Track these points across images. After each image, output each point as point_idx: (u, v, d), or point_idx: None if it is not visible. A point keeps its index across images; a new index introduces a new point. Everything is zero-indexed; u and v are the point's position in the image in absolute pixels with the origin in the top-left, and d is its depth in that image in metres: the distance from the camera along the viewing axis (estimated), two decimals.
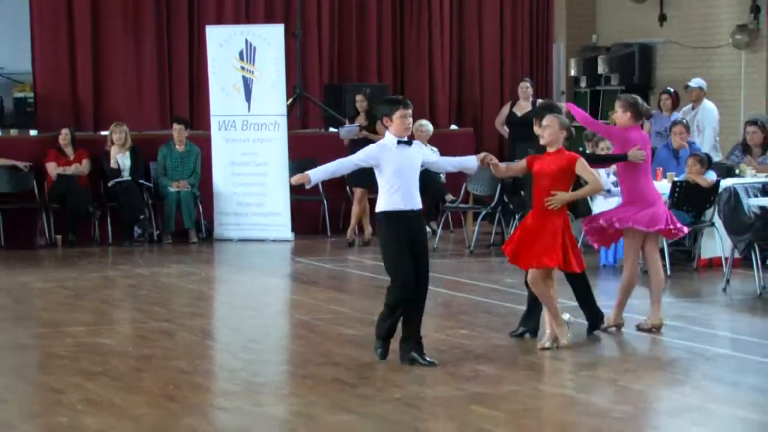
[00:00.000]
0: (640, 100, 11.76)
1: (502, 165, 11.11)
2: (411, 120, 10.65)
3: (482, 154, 10.82)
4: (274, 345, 12.37)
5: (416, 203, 10.47)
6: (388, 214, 10.46)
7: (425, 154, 10.80)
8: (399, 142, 10.46)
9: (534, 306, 11.56)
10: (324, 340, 11.70)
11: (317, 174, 10.55)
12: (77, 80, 20.85)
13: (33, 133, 19.43)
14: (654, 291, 11.83)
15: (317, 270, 16.41)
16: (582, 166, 10.70)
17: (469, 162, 10.95)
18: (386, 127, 10.57)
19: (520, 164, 11.14)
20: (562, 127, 10.67)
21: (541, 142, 10.79)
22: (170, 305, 13.81)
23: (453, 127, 21.13)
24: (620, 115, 11.83)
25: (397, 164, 10.42)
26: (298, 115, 20.87)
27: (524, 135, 15.68)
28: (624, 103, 11.82)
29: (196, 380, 10.40)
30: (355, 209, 18.44)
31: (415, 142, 10.74)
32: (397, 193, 10.37)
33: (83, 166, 18.43)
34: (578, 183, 11.41)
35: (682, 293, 14.36)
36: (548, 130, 10.62)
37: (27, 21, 20.74)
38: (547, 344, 10.81)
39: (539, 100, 19.58)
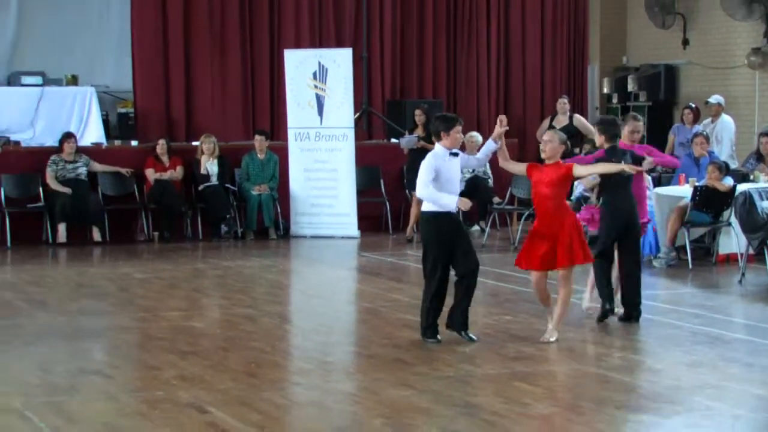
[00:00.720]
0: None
1: (506, 156, 10.97)
2: (462, 135, 10.74)
3: (494, 133, 10.84)
4: (342, 328, 12.40)
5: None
6: (434, 215, 10.50)
7: (464, 159, 10.83)
8: (451, 153, 10.52)
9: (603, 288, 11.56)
10: (386, 324, 11.72)
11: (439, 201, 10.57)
12: (171, 97, 20.96)
13: (134, 143, 19.54)
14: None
15: (380, 263, 16.42)
16: (579, 170, 10.60)
17: (488, 145, 10.92)
18: (439, 140, 10.62)
19: (520, 166, 11.02)
20: (561, 142, 10.58)
21: (542, 155, 10.66)
22: (252, 293, 13.86)
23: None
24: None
25: (449, 173, 10.49)
26: (364, 127, 20.91)
27: None
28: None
29: (274, 359, 10.46)
30: (413, 210, 18.37)
31: (461, 153, 10.75)
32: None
33: (177, 172, 18.52)
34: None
35: (702, 285, 14.27)
36: (549, 146, 10.49)
37: (128, 46, 20.86)
38: (551, 339, 10.54)
39: (576, 116, 19.54)
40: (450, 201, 10.47)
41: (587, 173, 10.85)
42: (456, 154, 10.58)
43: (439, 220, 10.51)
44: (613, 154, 11.33)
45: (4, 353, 10.62)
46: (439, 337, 10.55)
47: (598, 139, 11.64)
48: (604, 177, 11.38)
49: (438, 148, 10.59)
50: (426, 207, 10.62)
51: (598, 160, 11.35)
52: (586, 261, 10.65)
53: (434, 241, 10.57)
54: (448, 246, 10.53)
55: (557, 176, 10.38)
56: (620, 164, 10.84)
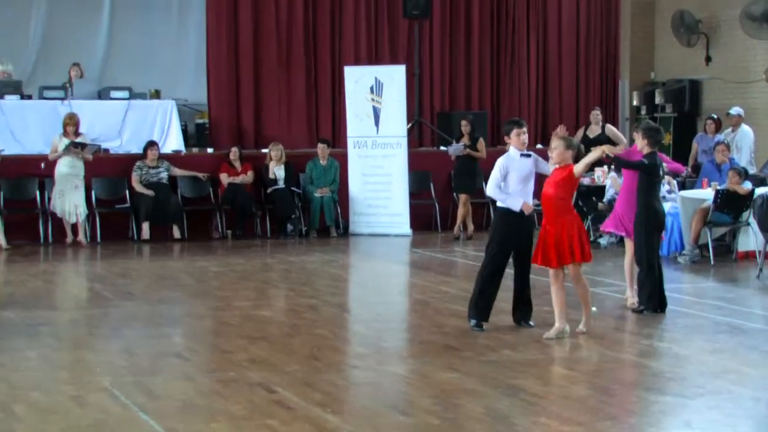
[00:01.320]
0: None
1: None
2: (526, 137, 10.65)
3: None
4: (395, 317, 12.39)
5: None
6: (507, 212, 10.47)
7: (538, 162, 10.71)
8: (522, 155, 10.49)
9: (644, 282, 11.43)
10: (435, 314, 11.69)
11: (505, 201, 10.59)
12: (242, 109, 21.07)
13: (209, 150, 19.64)
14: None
15: (430, 259, 16.40)
16: (577, 168, 10.26)
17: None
18: (507, 143, 10.68)
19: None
20: (567, 147, 10.41)
21: (550, 162, 10.57)
22: (315, 285, 13.88)
23: (538, 146, 21.01)
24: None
25: (521, 172, 10.45)
26: (415, 136, 20.91)
27: None
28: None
29: (334, 344, 10.47)
30: (460, 210, 18.38)
31: (533, 155, 10.70)
32: (518, 196, 10.44)
33: (248, 176, 18.58)
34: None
35: (723, 279, 14.15)
36: (555, 152, 10.33)
37: (204, 64, 20.97)
38: (552, 335, 10.25)
39: (608, 125, 19.42)
40: (515, 203, 10.44)
41: (581, 169, 10.55)
42: (528, 155, 10.55)
43: (508, 217, 10.49)
44: (652, 159, 11.29)
45: (94, 338, 10.71)
46: (484, 325, 10.53)
47: (641, 143, 11.48)
48: (639, 181, 11.32)
49: (511, 149, 10.59)
50: (499, 203, 10.63)
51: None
52: (585, 260, 10.39)
53: (499, 238, 10.52)
54: (512, 243, 10.51)
55: (561, 177, 10.26)
56: (599, 148, 10.74)
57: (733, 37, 21.08)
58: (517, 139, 10.57)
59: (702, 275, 14.43)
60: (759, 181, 16.18)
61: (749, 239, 15.28)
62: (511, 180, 10.47)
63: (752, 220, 14.87)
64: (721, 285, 13.65)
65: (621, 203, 11.81)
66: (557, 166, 10.27)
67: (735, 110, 19.11)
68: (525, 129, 10.66)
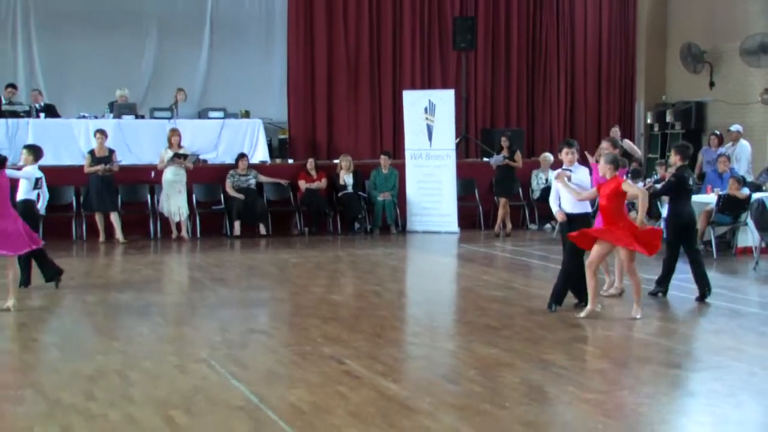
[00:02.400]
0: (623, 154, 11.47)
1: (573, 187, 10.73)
2: (574, 155, 10.68)
3: (557, 171, 10.83)
4: (445, 301, 12.38)
5: (573, 209, 10.57)
6: (567, 215, 10.57)
7: (579, 176, 10.69)
8: (564, 168, 10.52)
9: (667, 272, 11.52)
10: (478, 298, 11.66)
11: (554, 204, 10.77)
12: (317, 126, 21.15)
13: (290, 161, 19.72)
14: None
15: (474, 252, 16.36)
16: (627, 185, 10.31)
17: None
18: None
19: (592, 191, 10.78)
20: (607, 162, 10.35)
21: (600, 173, 10.59)
22: (378, 274, 13.88)
23: None
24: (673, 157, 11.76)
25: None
26: (462, 149, 20.88)
27: None
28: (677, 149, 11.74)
29: (394, 323, 10.47)
30: (500, 212, 18.32)
31: (580, 168, 10.73)
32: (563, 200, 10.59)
33: (322, 183, 18.62)
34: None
35: (724, 271, 14.00)
36: (602, 170, 10.39)
37: (285, 88, 21.08)
38: (636, 315, 10.23)
39: (626, 140, 19.25)
40: (554, 210, 10.77)
41: (633, 190, 10.49)
42: (570, 170, 10.62)
43: (570, 220, 10.59)
44: (684, 170, 11.38)
45: (194, 317, 10.78)
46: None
47: (673, 158, 11.60)
48: (670, 191, 11.53)
49: (564, 165, 10.73)
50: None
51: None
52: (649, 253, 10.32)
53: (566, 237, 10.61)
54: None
55: (611, 189, 10.19)
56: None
57: (733, 65, 20.88)
58: (564, 157, 10.75)
59: (706, 267, 14.27)
60: (755, 188, 16.09)
61: (747, 237, 15.21)
62: (559, 192, 10.68)
63: (749, 221, 14.84)
64: (722, 275, 13.50)
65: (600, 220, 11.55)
66: (607, 177, 10.31)
67: (735, 127, 18.98)
68: (573, 149, 10.69)
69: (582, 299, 10.54)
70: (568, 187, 10.55)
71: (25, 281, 11.84)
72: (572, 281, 10.59)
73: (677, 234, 11.47)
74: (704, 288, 11.39)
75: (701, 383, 7.86)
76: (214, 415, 6.92)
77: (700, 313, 10.83)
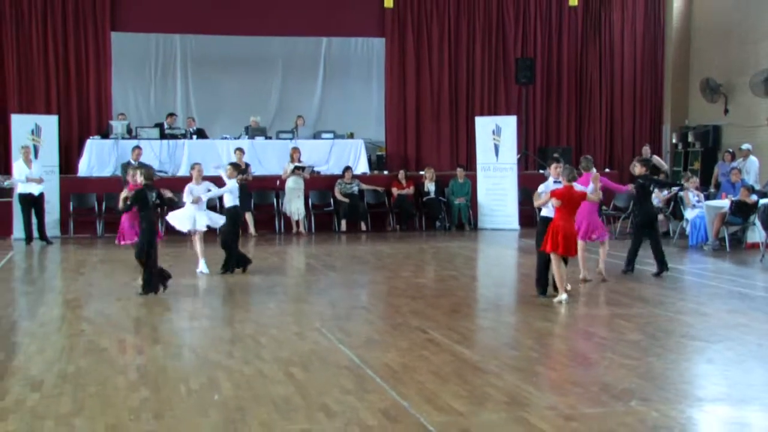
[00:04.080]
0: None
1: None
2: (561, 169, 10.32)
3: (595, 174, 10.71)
4: (508, 284, 12.30)
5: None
6: (549, 219, 10.14)
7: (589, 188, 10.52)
8: (555, 181, 10.30)
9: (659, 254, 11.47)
10: (535, 282, 11.54)
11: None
12: (407, 145, 21.14)
13: (385, 172, 19.75)
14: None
15: (531, 246, 16.07)
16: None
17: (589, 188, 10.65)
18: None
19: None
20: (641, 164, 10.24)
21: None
22: (454, 263, 13.85)
23: (607, 169, 20.57)
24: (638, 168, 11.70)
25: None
26: (523, 163, 20.68)
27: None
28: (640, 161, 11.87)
29: (468, 302, 10.44)
30: None
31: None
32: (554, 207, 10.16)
33: (411, 190, 18.62)
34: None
35: (735, 262, 13.66)
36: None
37: (383, 113, 21.15)
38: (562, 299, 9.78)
39: (654, 156, 18.95)
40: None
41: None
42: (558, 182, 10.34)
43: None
44: (646, 178, 11.71)
45: (310, 295, 10.81)
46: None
47: (639, 170, 11.83)
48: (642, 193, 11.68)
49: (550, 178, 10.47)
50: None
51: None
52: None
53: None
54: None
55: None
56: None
57: (744, 95, 20.36)
58: (554, 171, 10.31)
59: (720, 259, 13.96)
60: (762, 195, 15.72)
61: (755, 234, 14.89)
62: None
63: (757, 222, 14.55)
64: (735, 266, 13.18)
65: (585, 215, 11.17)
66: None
67: (745, 146, 18.63)
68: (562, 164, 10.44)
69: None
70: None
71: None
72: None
73: (643, 226, 11.63)
74: (662, 266, 11.56)
75: (717, 352, 7.68)
76: (325, 372, 6.98)
77: (715, 295, 10.57)
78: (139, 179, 10.41)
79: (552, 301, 9.79)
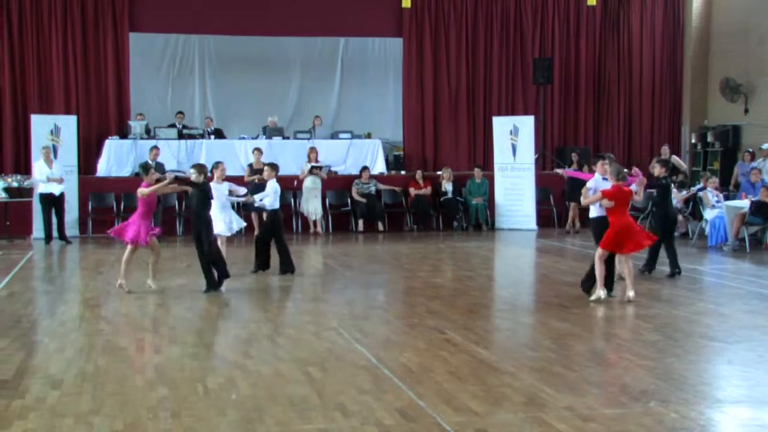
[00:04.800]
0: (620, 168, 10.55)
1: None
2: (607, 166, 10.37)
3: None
4: (526, 285, 12.28)
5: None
6: (601, 219, 10.12)
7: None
8: (603, 179, 10.26)
9: (673, 255, 11.35)
10: (553, 282, 11.54)
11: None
12: (425, 145, 21.11)
13: (403, 172, 19.74)
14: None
15: (549, 246, 16.17)
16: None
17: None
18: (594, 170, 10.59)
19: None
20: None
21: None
22: (471, 262, 13.84)
23: (625, 170, 20.43)
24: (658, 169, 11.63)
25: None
26: (540, 163, 20.61)
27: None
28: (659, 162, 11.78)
29: (484, 302, 10.43)
30: (571, 213, 18.15)
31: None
32: (602, 207, 10.07)
33: (428, 190, 18.60)
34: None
35: (755, 262, 13.55)
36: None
37: (400, 115, 21.15)
38: (594, 298, 9.84)
39: (674, 156, 18.85)
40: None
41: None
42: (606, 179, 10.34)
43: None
44: (666, 180, 11.71)
45: (327, 294, 10.83)
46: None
47: (658, 171, 11.76)
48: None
49: (597, 176, 10.35)
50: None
51: None
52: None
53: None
54: None
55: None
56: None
57: (764, 95, 20.23)
58: (600, 168, 10.33)
59: (740, 259, 13.88)
60: None
61: None
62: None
63: None
64: (754, 266, 13.09)
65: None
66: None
67: (765, 146, 18.42)
68: (607, 161, 10.40)
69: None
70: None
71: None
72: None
73: (662, 229, 11.48)
74: (675, 269, 11.49)
75: (736, 353, 7.63)
76: (342, 371, 6.98)
77: (735, 296, 10.50)
78: (194, 176, 10.47)
79: (614, 299, 9.89)
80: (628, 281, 9.97)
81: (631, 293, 9.85)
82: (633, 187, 10.33)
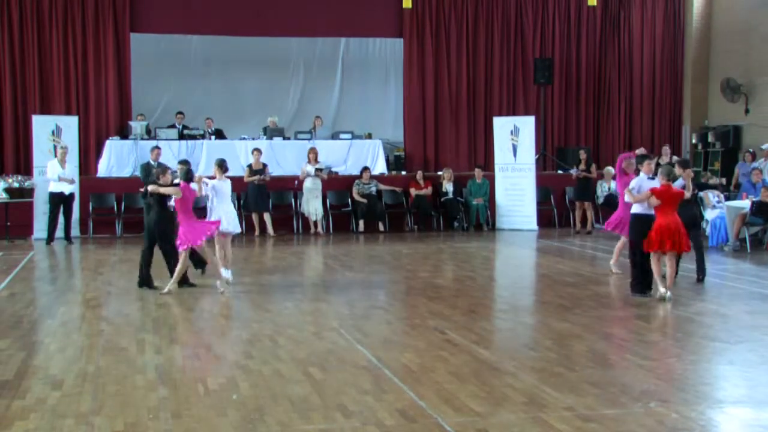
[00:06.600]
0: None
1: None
2: (653, 165, 10.41)
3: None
4: (527, 285, 12.26)
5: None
6: (641, 216, 10.12)
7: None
8: (649, 178, 10.22)
9: (701, 259, 11.20)
10: (553, 283, 11.52)
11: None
12: (426, 145, 21.15)
13: (403, 173, 19.76)
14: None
15: (550, 246, 16.15)
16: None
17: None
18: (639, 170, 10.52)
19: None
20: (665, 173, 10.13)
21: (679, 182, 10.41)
22: (472, 262, 13.83)
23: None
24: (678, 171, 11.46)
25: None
26: (541, 164, 20.63)
27: None
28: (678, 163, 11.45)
29: (485, 302, 10.41)
30: (577, 213, 18.19)
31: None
32: (643, 205, 10.07)
33: (428, 190, 18.61)
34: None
35: (756, 262, 13.56)
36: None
37: (401, 114, 21.15)
38: (659, 296, 9.97)
39: (675, 157, 18.80)
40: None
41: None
42: (653, 178, 10.26)
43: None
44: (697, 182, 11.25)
45: (328, 294, 10.82)
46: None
47: (678, 171, 11.17)
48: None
49: (642, 175, 10.35)
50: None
51: None
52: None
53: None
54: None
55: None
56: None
57: (765, 95, 20.26)
58: (647, 167, 10.37)
59: (741, 259, 13.88)
60: None
61: None
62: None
63: None
64: (755, 266, 13.09)
65: (623, 211, 11.29)
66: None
67: (766, 146, 18.46)
68: (654, 160, 10.46)
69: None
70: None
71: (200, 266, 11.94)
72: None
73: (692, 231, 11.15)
74: (702, 272, 11.26)
75: (737, 354, 7.62)
76: (343, 372, 6.98)
77: (736, 296, 10.50)
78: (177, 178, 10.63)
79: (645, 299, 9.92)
80: (668, 281, 10.05)
81: (667, 292, 9.90)
82: (680, 182, 10.34)
